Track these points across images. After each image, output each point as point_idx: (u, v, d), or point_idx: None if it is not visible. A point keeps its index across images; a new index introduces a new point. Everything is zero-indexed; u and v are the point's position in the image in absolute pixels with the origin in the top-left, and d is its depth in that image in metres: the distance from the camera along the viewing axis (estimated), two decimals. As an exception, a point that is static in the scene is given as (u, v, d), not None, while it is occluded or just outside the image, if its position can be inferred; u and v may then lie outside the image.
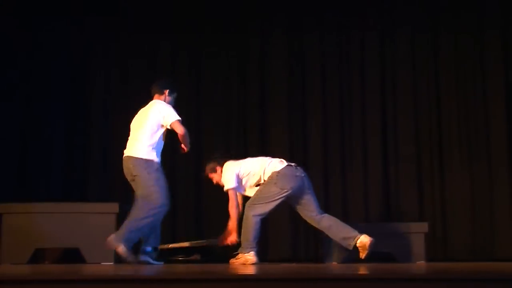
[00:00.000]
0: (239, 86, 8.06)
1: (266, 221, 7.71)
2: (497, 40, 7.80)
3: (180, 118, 5.84)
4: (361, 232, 5.97)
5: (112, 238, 5.56)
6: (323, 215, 6.08)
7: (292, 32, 8.11)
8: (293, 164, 6.09)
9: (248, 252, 5.79)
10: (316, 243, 7.06)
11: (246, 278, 3.08)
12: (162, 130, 5.86)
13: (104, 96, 8.02)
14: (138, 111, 6.12)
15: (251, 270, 3.95)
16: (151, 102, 6.04)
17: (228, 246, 6.08)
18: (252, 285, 3.00)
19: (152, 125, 5.81)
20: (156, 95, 6.07)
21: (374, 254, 5.97)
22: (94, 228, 6.25)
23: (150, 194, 5.71)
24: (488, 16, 7.87)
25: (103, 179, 7.81)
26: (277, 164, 6.03)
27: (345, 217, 7.67)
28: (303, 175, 6.05)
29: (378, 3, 8.10)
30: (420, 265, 5.87)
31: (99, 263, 6.05)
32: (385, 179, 7.79)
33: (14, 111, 7.73)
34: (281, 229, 7.71)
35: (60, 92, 7.90)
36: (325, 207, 7.73)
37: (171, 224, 7.50)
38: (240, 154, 7.87)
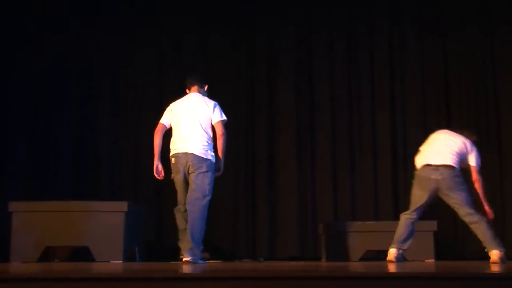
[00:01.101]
0: (247, 82, 8.06)
1: (275, 219, 7.75)
2: (507, 33, 7.80)
3: (225, 119, 5.77)
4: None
5: None
6: (474, 216, 5.59)
7: (300, 29, 8.11)
8: (433, 163, 5.61)
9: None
10: (326, 242, 7.06)
11: (255, 277, 3.08)
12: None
13: (113, 91, 8.02)
14: (171, 102, 5.97)
15: (260, 269, 3.96)
16: (195, 96, 5.86)
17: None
18: (260, 284, 3.01)
19: (208, 122, 5.75)
20: (196, 88, 5.93)
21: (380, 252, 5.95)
22: (103, 226, 6.26)
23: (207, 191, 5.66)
24: (497, 11, 7.87)
25: (113, 178, 7.84)
26: (422, 159, 5.75)
27: (354, 215, 7.68)
28: (439, 177, 5.55)
29: (386, 3, 8.10)
30: (429, 263, 5.85)
31: (108, 261, 6.07)
32: (394, 177, 7.78)
33: (22, 110, 7.77)
34: (289, 228, 7.72)
35: (68, 90, 7.93)
36: (334, 206, 7.75)
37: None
38: (248, 150, 7.89)
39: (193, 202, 5.55)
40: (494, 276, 3.09)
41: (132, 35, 8.07)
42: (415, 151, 7.76)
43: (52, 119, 7.83)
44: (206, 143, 5.66)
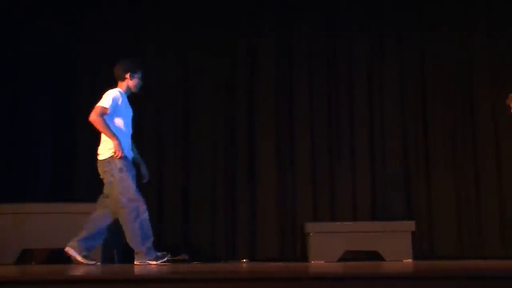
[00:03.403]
0: (227, 87, 8.02)
1: (254, 221, 7.75)
2: (484, 47, 7.88)
3: (105, 106, 5.55)
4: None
5: None
6: None
7: (280, 32, 8.10)
8: None
9: None
10: (305, 243, 7.08)
11: (236, 278, 3.09)
12: (113, 120, 5.64)
13: (92, 95, 7.94)
14: None
15: (243, 270, 3.95)
16: None
17: None
18: (244, 285, 3.01)
19: (108, 118, 5.64)
20: (118, 83, 5.79)
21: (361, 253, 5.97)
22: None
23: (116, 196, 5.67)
24: (475, 23, 7.95)
25: (91, 179, 7.77)
26: None
27: (333, 216, 7.71)
28: None
29: (367, 8, 8.13)
30: (407, 263, 5.90)
31: (86, 263, 6.02)
32: (372, 178, 7.81)
33: (1, 111, 7.68)
34: (268, 229, 7.72)
35: (47, 91, 7.84)
36: (313, 206, 7.77)
37: (160, 219, 7.50)
38: (228, 153, 7.89)
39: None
40: (476, 275, 3.13)
41: (113, 40, 7.97)
42: (393, 153, 7.86)
43: (29, 119, 7.74)
44: (106, 141, 5.60)
